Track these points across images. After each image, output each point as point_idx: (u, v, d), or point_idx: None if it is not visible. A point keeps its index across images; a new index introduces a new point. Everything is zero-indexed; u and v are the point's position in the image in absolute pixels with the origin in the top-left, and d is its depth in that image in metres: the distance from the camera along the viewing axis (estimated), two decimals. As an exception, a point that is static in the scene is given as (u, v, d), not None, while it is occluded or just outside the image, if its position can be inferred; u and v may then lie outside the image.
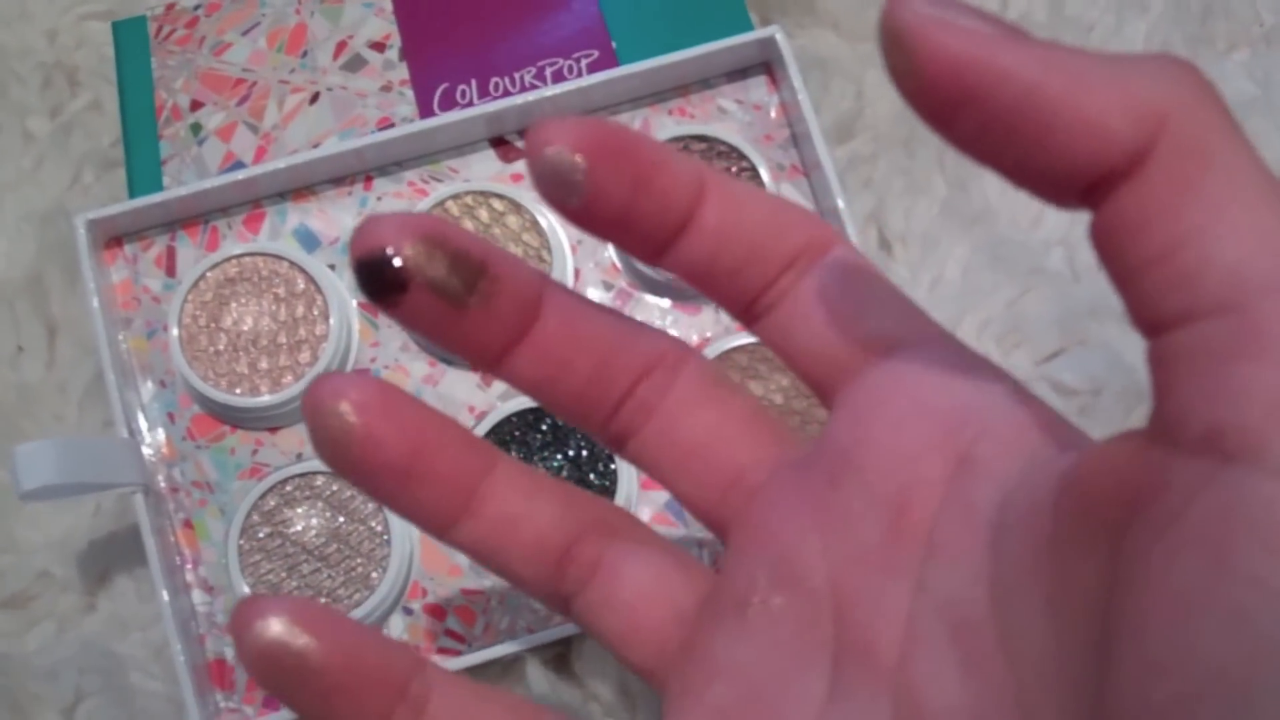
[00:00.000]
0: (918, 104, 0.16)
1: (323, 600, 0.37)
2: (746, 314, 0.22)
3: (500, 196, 0.39)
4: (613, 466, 0.38)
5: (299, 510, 0.38)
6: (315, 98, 0.42)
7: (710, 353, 0.38)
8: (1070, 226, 0.40)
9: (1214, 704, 0.13)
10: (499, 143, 0.41)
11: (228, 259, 0.39)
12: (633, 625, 0.22)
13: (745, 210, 0.21)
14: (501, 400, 0.39)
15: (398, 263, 0.19)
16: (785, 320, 0.21)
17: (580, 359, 0.21)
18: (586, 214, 0.19)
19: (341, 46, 0.43)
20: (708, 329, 0.40)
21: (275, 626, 0.19)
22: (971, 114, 0.15)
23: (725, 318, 0.40)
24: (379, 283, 0.19)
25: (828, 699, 0.19)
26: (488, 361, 0.21)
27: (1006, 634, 0.17)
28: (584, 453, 0.38)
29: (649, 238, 0.20)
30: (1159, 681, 0.14)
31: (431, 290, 0.19)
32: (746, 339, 0.38)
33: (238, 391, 0.38)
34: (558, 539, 0.22)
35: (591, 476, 0.38)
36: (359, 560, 0.37)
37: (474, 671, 0.37)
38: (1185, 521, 0.14)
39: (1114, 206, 0.15)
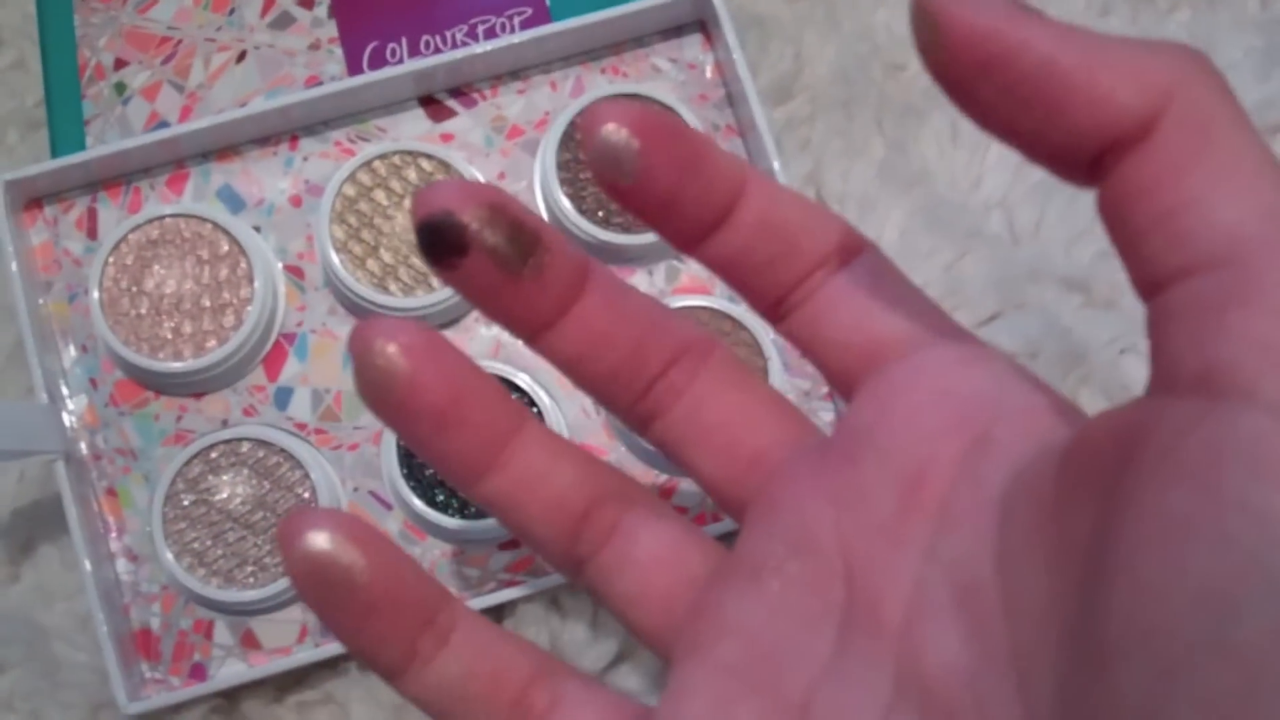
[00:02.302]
0: (943, 75, 0.17)
1: (249, 569, 0.36)
2: (774, 309, 0.22)
3: (429, 156, 0.39)
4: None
5: (224, 477, 0.37)
6: (242, 56, 0.41)
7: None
8: (1009, 189, 0.40)
9: (1201, 622, 0.14)
10: (428, 101, 0.40)
11: (149, 220, 0.38)
12: (644, 588, 0.23)
13: (783, 208, 0.22)
14: (432, 365, 0.38)
15: (461, 225, 0.20)
16: (812, 317, 0.22)
17: (619, 337, 0.22)
18: (636, 194, 0.20)
19: (269, 4, 0.42)
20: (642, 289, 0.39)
21: (323, 540, 0.20)
22: (991, 83, 0.17)
23: (657, 278, 0.39)
24: (441, 244, 0.20)
25: (832, 659, 0.20)
26: (532, 331, 0.22)
27: (1008, 597, 0.18)
28: (515, 418, 0.37)
29: (692, 224, 0.21)
30: (1150, 604, 0.15)
31: (489, 256, 0.20)
32: (680, 301, 0.38)
33: (160, 356, 0.37)
34: (578, 501, 0.22)
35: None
36: (285, 528, 0.37)
37: (404, 639, 0.37)
38: (1178, 455, 0.15)
39: (1120, 175, 0.16)
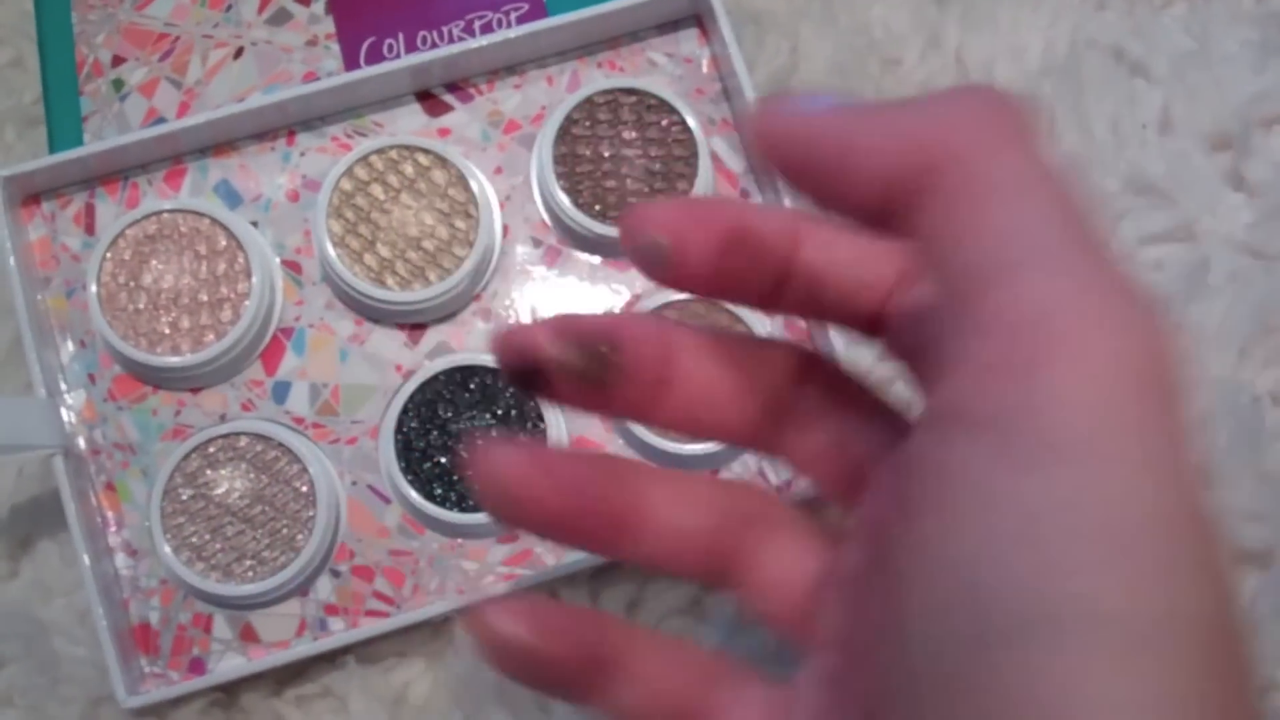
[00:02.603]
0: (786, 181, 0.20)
1: (248, 563, 0.36)
2: (868, 332, 0.23)
3: (425, 151, 0.39)
4: (541, 425, 0.37)
5: (222, 472, 0.37)
6: (239, 52, 0.41)
7: (641, 309, 0.38)
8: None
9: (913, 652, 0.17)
10: (424, 96, 0.40)
11: (147, 216, 0.38)
12: (782, 601, 0.23)
13: (838, 249, 0.23)
14: (429, 359, 0.38)
15: (541, 362, 0.22)
16: (902, 330, 0.23)
17: (719, 398, 0.23)
18: (679, 281, 0.22)
19: (266, 0, 0.42)
20: (637, 285, 0.39)
21: (506, 625, 0.22)
22: (795, 176, 0.19)
23: (654, 273, 0.39)
24: (529, 382, 0.22)
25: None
26: (636, 418, 0.23)
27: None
28: (512, 411, 0.37)
29: (752, 289, 0.23)
30: (883, 639, 0.18)
31: (572, 379, 0.22)
32: (676, 296, 0.38)
33: (158, 351, 0.38)
34: (713, 543, 0.23)
35: (521, 436, 0.37)
36: (284, 522, 0.37)
37: (403, 633, 0.37)
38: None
39: (914, 231, 0.18)
